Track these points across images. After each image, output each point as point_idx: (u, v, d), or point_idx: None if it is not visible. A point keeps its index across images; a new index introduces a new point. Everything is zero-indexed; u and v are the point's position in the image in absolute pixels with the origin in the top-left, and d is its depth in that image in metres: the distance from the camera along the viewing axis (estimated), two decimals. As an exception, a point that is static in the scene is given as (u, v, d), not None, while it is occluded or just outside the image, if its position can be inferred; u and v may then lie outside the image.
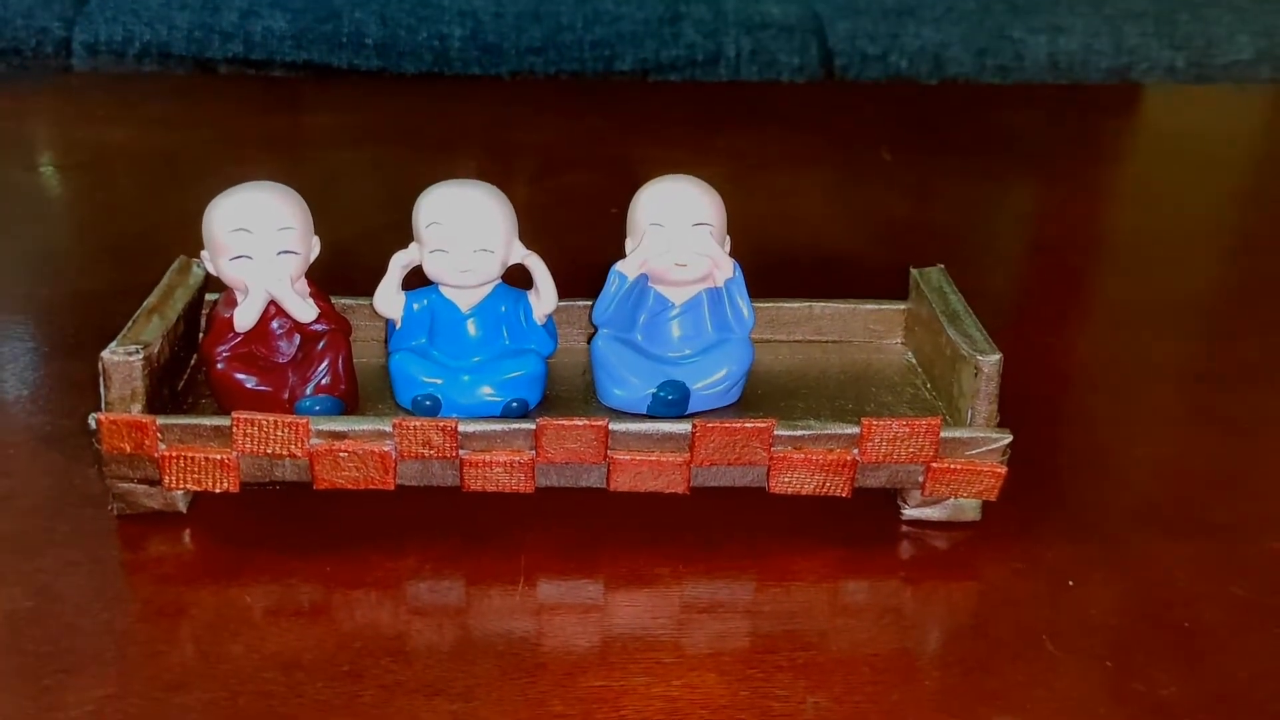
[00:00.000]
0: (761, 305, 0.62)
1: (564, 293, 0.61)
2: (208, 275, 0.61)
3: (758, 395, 0.61)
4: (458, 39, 1.55)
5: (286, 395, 0.58)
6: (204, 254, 0.58)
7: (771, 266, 0.62)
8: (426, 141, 1.12)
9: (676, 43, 1.57)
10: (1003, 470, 0.55)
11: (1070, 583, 0.55)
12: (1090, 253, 0.97)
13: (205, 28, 1.50)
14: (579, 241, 0.66)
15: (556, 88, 1.35)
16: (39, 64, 1.46)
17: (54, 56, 1.49)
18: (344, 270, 0.65)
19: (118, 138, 1.10)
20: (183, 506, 0.57)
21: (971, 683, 0.49)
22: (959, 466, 0.55)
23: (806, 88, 1.41)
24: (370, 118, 1.18)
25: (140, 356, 0.54)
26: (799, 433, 0.55)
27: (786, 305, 0.65)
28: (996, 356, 0.56)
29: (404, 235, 0.60)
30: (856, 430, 0.55)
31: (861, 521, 0.59)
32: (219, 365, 0.57)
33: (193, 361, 0.61)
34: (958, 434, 0.55)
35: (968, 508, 0.58)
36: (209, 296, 0.63)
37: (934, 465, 0.55)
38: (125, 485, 0.56)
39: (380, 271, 0.60)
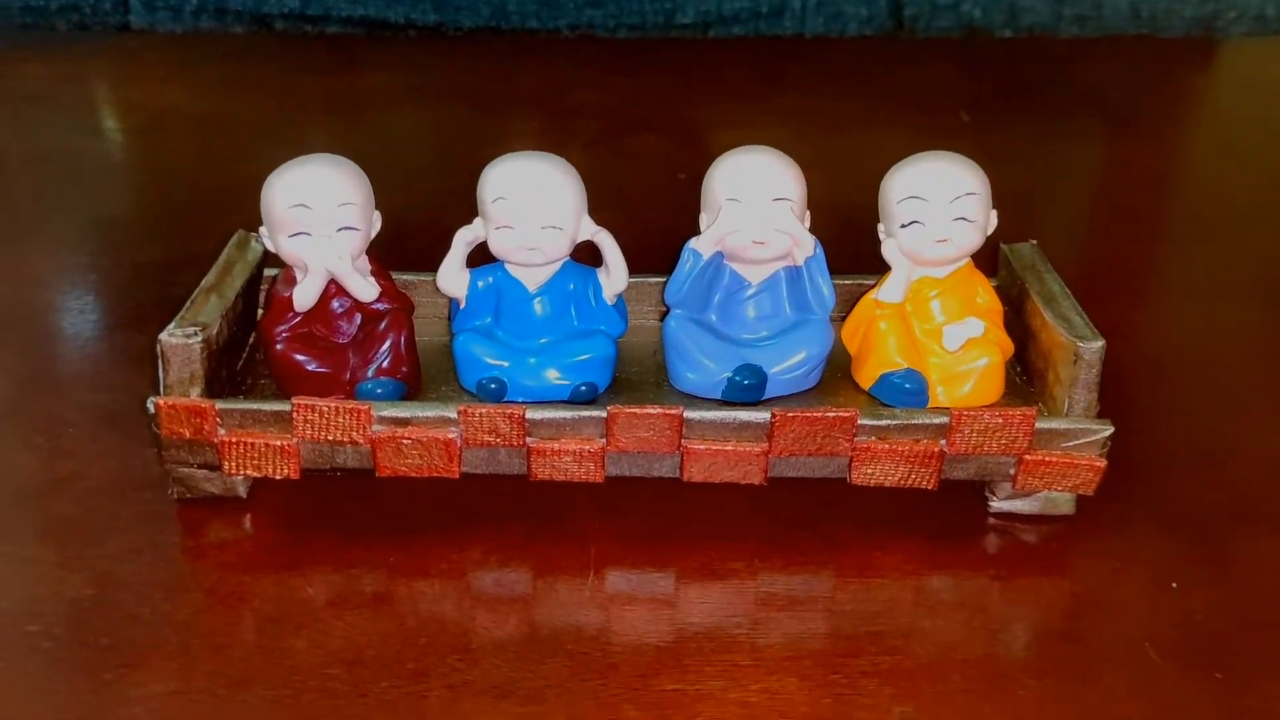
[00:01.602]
0: (840, 282, 0.59)
1: (634, 267, 0.58)
2: (266, 250, 0.59)
3: (838, 379, 0.58)
4: (515, -9, 1.51)
5: (347, 376, 0.56)
6: (262, 230, 0.56)
7: (845, 236, 0.58)
8: (485, 101, 1.09)
9: (740, -6, 1.52)
10: (1102, 464, 0.52)
11: (1173, 585, 0.52)
12: (1183, 219, 0.92)
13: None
14: (647, 210, 0.63)
15: (615, 46, 1.31)
16: (97, 21, 1.45)
17: (111, 13, 1.48)
18: (403, 241, 0.63)
19: (175, 100, 1.09)
20: (243, 492, 0.56)
21: (1070, 693, 0.47)
22: (1054, 459, 0.52)
23: (876, 42, 1.35)
24: (428, 77, 1.16)
25: (199, 339, 0.52)
26: (884, 422, 0.52)
27: (868, 282, 0.61)
28: (1099, 344, 0.52)
29: (464, 201, 0.57)
30: (945, 420, 0.52)
31: (946, 513, 0.56)
32: (278, 346, 0.55)
33: (251, 340, 0.60)
34: (1054, 425, 0.52)
35: (1061, 500, 0.55)
36: (268, 272, 0.61)
37: (1027, 457, 0.52)
38: (185, 470, 0.54)
39: (441, 242, 0.57)
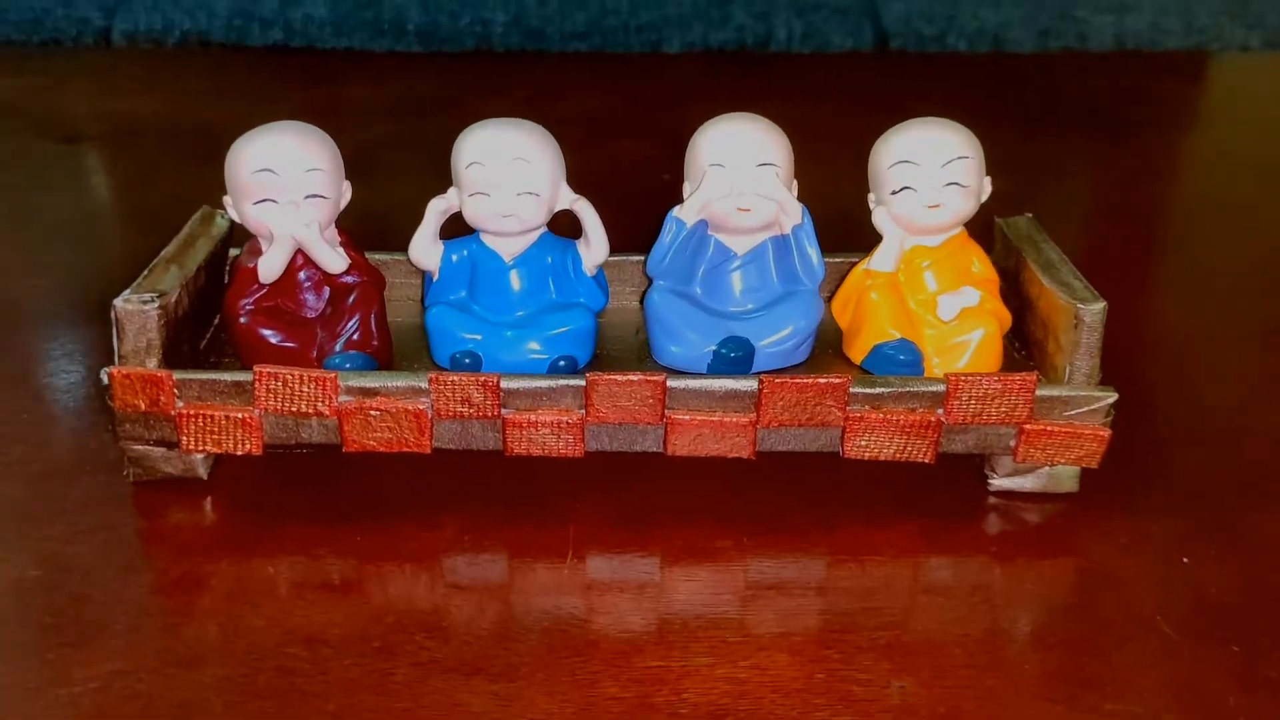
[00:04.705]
0: (830, 260, 0.56)
1: (615, 248, 0.56)
2: (232, 226, 0.57)
3: (829, 355, 0.56)
4: (500, 24, 1.51)
5: (315, 353, 0.53)
6: (227, 199, 0.53)
7: (836, 223, 0.57)
8: (469, 115, 1.07)
9: (726, 26, 1.52)
10: (1106, 433, 0.50)
11: (1184, 560, 0.49)
12: (1171, 217, 0.90)
13: (245, 15, 1.47)
14: (631, 205, 0.61)
15: (603, 61, 1.30)
16: (79, 55, 1.45)
17: (94, 47, 1.47)
18: (380, 233, 0.61)
19: (150, 110, 1.07)
20: (203, 472, 0.53)
21: (1078, 667, 0.44)
22: (1056, 429, 0.50)
23: (862, 57, 1.35)
24: (411, 92, 1.14)
25: (156, 306, 0.49)
26: (878, 390, 0.49)
27: (855, 260, 0.59)
28: (1100, 305, 0.50)
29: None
30: (942, 388, 0.49)
31: (944, 492, 0.53)
32: (242, 320, 0.53)
33: (215, 321, 0.57)
34: (1056, 392, 0.49)
35: (1064, 477, 0.52)
36: (233, 252, 0.58)
37: (1028, 427, 0.50)
38: (141, 448, 0.51)
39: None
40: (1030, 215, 0.59)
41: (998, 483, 0.53)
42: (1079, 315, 0.50)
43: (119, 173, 0.95)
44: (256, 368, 0.49)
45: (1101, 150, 1.01)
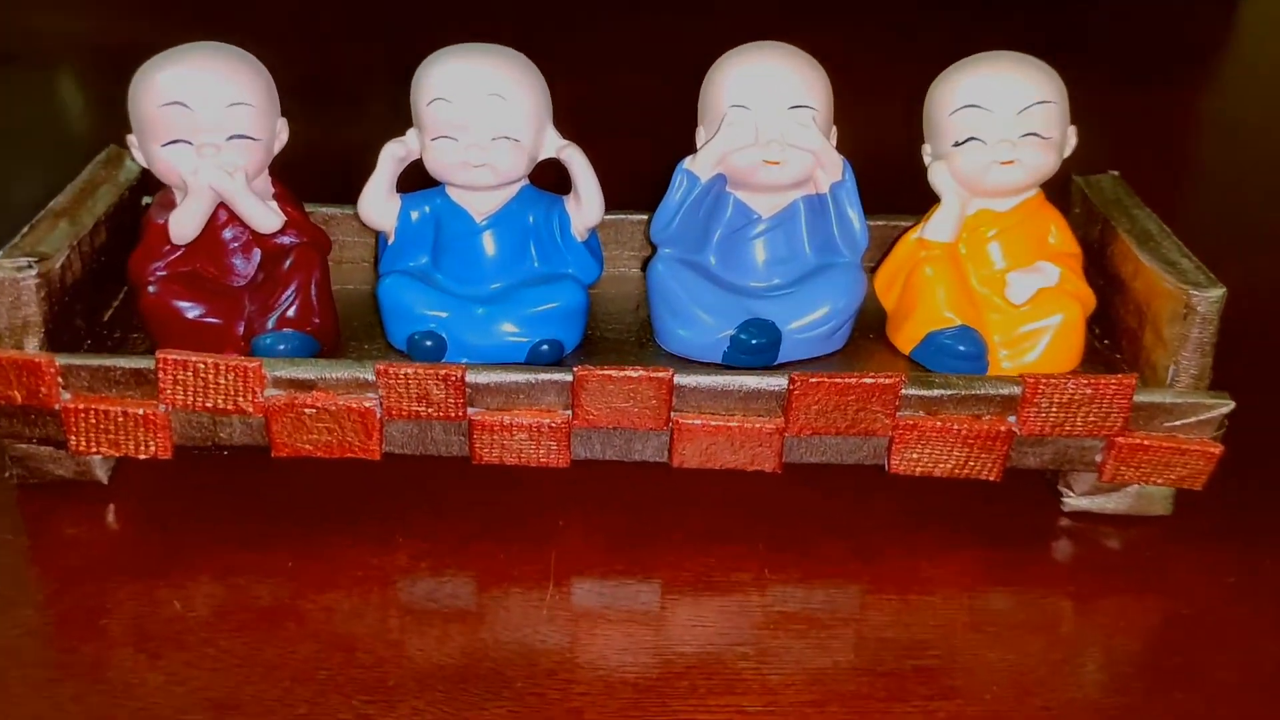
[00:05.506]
0: (873, 224, 0.47)
1: (614, 204, 0.46)
2: (145, 171, 0.46)
3: (870, 341, 0.47)
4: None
5: (242, 329, 0.44)
6: (131, 138, 0.43)
7: (881, 178, 0.47)
8: (454, 37, 0.96)
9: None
10: (1217, 449, 0.40)
11: (1308, 605, 0.40)
12: (1226, 172, 0.80)
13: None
14: (632, 153, 0.52)
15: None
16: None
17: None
18: (332, 180, 0.50)
19: (91, 27, 0.96)
20: (102, 475, 0.43)
21: (1191, 754, 0.35)
22: (1155, 443, 0.40)
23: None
24: (387, 8, 1.03)
25: (34, 274, 0.40)
26: (936, 392, 0.40)
27: (905, 225, 0.49)
28: (1218, 292, 0.40)
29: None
30: (1016, 390, 0.40)
31: (1007, 513, 0.44)
32: (151, 288, 0.43)
33: (126, 289, 0.47)
34: (1158, 398, 0.40)
35: (1156, 497, 0.43)
36: (147, 200, 0.48)
37: (1120, 440, 0.40)
38: (24, 447, 0.42)
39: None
40: (1117, 174, 0.49)
41: (1074, 502, 0.43)
42: (1190, 303, 0.40)
43: (45, 99, 0.85)
44: (160, 354, 0.39)
45: (1135, 88, 0.91)
